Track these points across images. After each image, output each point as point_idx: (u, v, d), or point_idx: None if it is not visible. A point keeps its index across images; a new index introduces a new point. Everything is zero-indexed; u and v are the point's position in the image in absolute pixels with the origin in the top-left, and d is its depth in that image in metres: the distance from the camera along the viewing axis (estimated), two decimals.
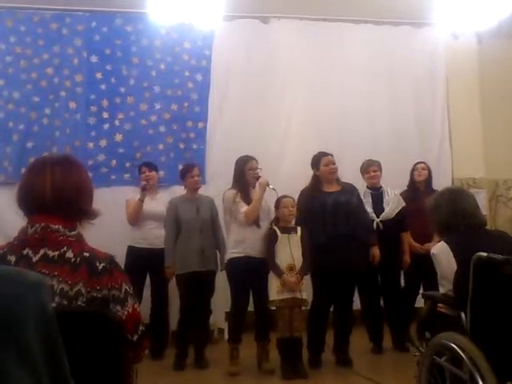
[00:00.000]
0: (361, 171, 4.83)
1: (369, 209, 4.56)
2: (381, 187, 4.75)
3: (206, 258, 4.36)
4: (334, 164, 4.36)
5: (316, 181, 4.39)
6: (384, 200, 4.66)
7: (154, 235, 4.61)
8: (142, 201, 4.57)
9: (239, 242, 4.20)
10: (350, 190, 4.39)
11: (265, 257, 4.11)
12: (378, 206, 4.62)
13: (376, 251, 4.32)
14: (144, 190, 4.59)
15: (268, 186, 4.18)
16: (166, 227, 4.49)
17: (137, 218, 4.62)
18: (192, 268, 4.31)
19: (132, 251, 4.59)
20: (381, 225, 4.53)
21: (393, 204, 4.63)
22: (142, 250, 4.58)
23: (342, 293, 4.26)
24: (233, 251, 4.23)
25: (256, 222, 4.19)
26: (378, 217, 4.55)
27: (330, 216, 4.19)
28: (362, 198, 4.52)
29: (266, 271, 4.09)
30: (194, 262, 4.31)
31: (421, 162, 5.05)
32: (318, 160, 4.40)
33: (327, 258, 4.08)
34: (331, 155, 4.40)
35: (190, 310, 4.31)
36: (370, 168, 4.76)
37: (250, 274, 4.13)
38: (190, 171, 4.54)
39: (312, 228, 4.16)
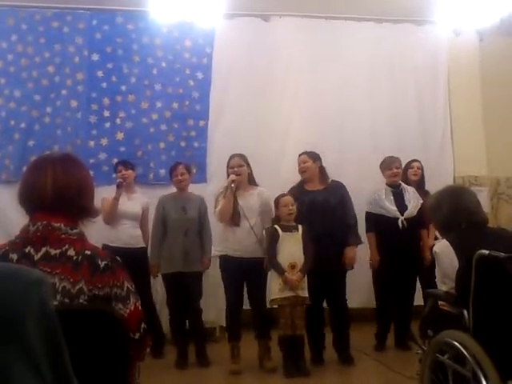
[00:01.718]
0: (381, 168, 4.77)
1: (392, 207, 4.55)
2: (400, 184, 4.71)
3: (189, 260, 4.33)
4: (305, 163, 4.36)
5: (301, 180, 4.42)
6: (405, 198, 4.64)
7: (129, 235, 4.55)
8: (117, 199, 4.45)
9: (222, 241, 4.26)
10: (332, 188, 4.37)
11: (257, 255, 4.11)
12: (402, 204, 4.59)
13: (350, 252, 4.28)
14: (119, 187, 4.44)
15: (231, 185, 4.09)
16: (152, 225, 4.50)
17: (112, 216, 4.48)
18: (175, 268, 4.31)
19: (107, 249, 4.44)
20: (405, 223, 4.51)
21: (414, 201, 4.61)
22: (116, 249, 4.35)
23: (329, 291, 4.27)
24: (216, 249, 4.32)
25: (234, 221, 4.16)
26: (402, 215, 4.53)
27: (305, 215, 4.19)
28: (383, 196, 4.53)
29: (259, 269, 4.08)
30: (177, 262, 4.31)
31: (416, 161, 5.03)
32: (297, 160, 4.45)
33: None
34: (307, 154, 4.41)
35: (176, 308, 4.34)
36: (392, 165, 4.70)
37: (240, 272, 4.14)
38: (174, 170, 4.50)
39: None
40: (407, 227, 4.50)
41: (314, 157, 4.42)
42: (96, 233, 4.48)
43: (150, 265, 4.43)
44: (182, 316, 4.39)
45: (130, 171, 4.72)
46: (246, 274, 4.15)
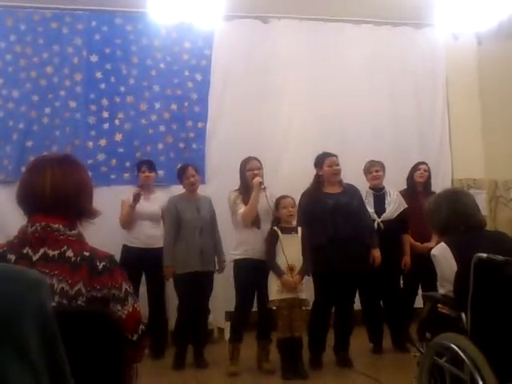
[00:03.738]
0: (364, 171, 4.83)
1: (370, 209, 4.57)
2: (383, 188, 4.74)
3: (205, 259, 4.36)
4: (338, 165, 4.36)
5: (318, 181, 4.39)
6: (386, 201, 4.66)
7: (148, 235, 4.60)
8: (133, 208, 4.53)
9: (240, 244, 4.21)
10: (351, 191, 4.38)
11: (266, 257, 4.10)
12: (380, 207, 4.62)
13: (377, 253, 4.32)
14: (135, 200, 4.50)
15: (260, 186, 4.10)
16: (165, 226, 4.49)
17: (129, 222, 4.59)
18: (192, 268, 4.30)
19: (126, 250, 4.54)
20: (382, 225, 4.53)
21: (394, 205, 4.63)
22: (136, 249, 4.55)
23: (343, 293, 4.26)
24: (234, 253, 4.25)
25: (256, 224, 4.17)
26: (379, 217, 4.55)
27: (330, 217, 4.19)
28: (363, 198, 4.53)
29: (269, 272, 4.09)
30: (194, 262, 4.31)
31: (423, 163, 5.05)
32: (321, 160, 4.39)
33: (327, 259, 4.09)
34: (335, 156, 4.40)
35: (188, 310, 4.32)
36: (372, 168, 4.76)
37: (255, 275, 4.14)
38: (184, 172, 4.52)
39: (313, 229, 4.16)
40: (384, 230, 4.52)
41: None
42: (116, 233, 4.57)
43: (164, 266, 4.41)
44: (191, 317, 4.35)
45: (154, 173, 4.82)
46: (258, 276, 4.14)
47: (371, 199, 4.65)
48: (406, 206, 4.65)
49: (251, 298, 4.21)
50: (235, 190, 4.29)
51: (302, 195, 4.36)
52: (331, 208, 4.22)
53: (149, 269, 4.55)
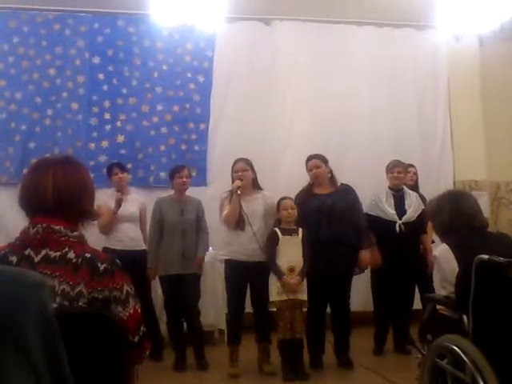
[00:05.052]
0: (386, 169, 4.77)
1: (391, 210, 4.55)
2: (402, 188, 4.70)
3: (187, 261, 4.33)
4: (319, 167, 4.31)
5: (310, 183, 4.40)
6: (406, 202, 4.63)
7: (129, 237, 4.56)
8: (115, 213, 4.47)
9: (225, 245, 4.24)
10: (342, 192, 4.33)
11: (261, 259, 4.09)
12: (401, 208, 4.58)
13: (365, 255, 4.27)
14: (118, 204, 4.45)
15: (237, 190, 4.06)
16: (149, 228, 4.50)
17: (110, 229, 4.51)
18: (172, 271, 4.31)
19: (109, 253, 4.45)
20: (403, 227, 4.51)
21: (414, 206, 4.60)
22: (119, 251, 4.38)
23: (333, 295, 4.26)
24: (220, 252, 4.30)
25: (240, 226, 4.15)
26: (400, 219, 4.52)
27: (314, 219, 4.18)
28: (383, 199, 4.52)
29: (263, 273, 4.08)
30: (174, 264, 4.31)
31: (412, 166, 5.07)
32: (306, 164, 4.41)
33: (312, 261, 4.06)
34: (318, 158, 4.36)
35: (174, 311, 4.35)
36: (394, 168, 4.69)
37: (244, 276, 4.14)
38: (178, 171, 4.48)
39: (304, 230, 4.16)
40: (405, 231, 4.49)
41: (325, 160, 4.39)
42: (97, 236, 4.53)
43: (147, 267, 4.41)
44: (179, 318, 4.39)
45: (126, 174, 4.74)
46: (249, 278, 4.15)
47: (391, 200, 4.61)
48: (424, 207, 4.62)
49: (240, 298, 4.19)
50: (228, 191, 4.28)
51: (295, 197, 4.31)
52: (315, 210, 4.20)
53: (131, 271, 4.45)
